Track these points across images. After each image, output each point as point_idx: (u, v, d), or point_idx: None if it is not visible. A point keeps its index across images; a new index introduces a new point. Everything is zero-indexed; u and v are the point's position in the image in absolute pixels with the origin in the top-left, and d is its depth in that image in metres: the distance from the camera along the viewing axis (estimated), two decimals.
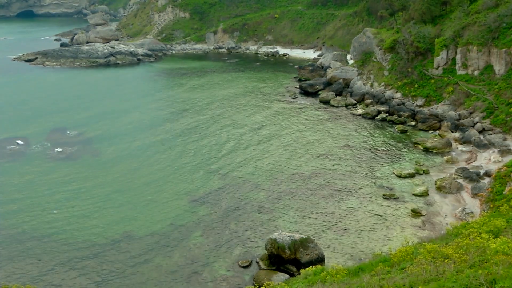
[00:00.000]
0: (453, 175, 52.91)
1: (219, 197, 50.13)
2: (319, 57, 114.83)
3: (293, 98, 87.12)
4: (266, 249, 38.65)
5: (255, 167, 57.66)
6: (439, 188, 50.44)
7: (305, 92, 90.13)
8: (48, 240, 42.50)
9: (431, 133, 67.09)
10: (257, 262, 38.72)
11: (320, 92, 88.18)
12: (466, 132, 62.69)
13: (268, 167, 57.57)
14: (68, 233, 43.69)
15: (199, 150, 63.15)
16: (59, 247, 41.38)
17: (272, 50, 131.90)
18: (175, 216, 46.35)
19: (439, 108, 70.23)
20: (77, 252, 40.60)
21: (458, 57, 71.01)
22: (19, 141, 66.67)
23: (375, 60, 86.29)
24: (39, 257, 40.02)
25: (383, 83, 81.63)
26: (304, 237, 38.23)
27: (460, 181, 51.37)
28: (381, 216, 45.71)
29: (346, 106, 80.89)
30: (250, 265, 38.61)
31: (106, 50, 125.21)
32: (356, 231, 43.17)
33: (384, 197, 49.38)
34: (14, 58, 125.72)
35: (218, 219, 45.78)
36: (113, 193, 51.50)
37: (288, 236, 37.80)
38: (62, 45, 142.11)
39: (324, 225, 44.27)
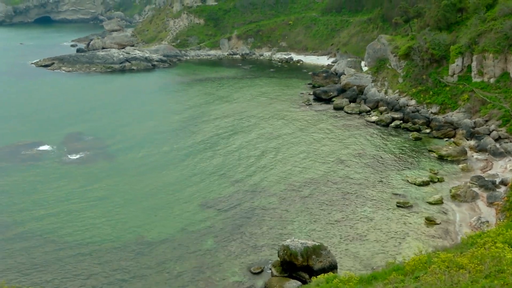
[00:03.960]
0: (468, 184, 52.30)
1: (232, 203, 50.13)
2: (333, 64, 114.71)
3: (307, 105, 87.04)
4: (278, 256, 38.52)
5: (268, 173, 57.62)
6: (454, 197, 49.88)
7: (319, 99, 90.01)
8: (60, 244, 42.88)
9: (446, 140, 66.47)
10: (270, 269, 38.60)
11: (334, 99, 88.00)
12: (482, 140, 62.00)
13: (280, 173, 57.50)
14: (80, 236, 44.01)
15: (213, 157, 63.31)
16: (70, 251, 41.68)
17: (286, 57, 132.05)
18: (188, 222, 46.46)
19: (454, 115, 69.61)
20: (89, 256, 40.86)
21: (473, 64, 70.39)
22: (36, 146, 67.49)
23: (390, 67, 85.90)
24: (49, 260, 40.36)
25: (397, 90, 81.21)
26: (317, 244, 38.02)
27: (476, 189, 50.76)
28: (394, 224, 45.32)
29: (360, 113, 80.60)
30: (262, 271, 38.51)
31: (121, 55, 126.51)
32: (369, 239, 42.84)
33: (398, 205, 48.97)
34: (32, 63, 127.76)
35: (231, 225, 45.78)
36: (127, 198, 51.84)
37: (301, 243, 37.62)
38: (78, 50, 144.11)
39: (337, 232, 44.01)
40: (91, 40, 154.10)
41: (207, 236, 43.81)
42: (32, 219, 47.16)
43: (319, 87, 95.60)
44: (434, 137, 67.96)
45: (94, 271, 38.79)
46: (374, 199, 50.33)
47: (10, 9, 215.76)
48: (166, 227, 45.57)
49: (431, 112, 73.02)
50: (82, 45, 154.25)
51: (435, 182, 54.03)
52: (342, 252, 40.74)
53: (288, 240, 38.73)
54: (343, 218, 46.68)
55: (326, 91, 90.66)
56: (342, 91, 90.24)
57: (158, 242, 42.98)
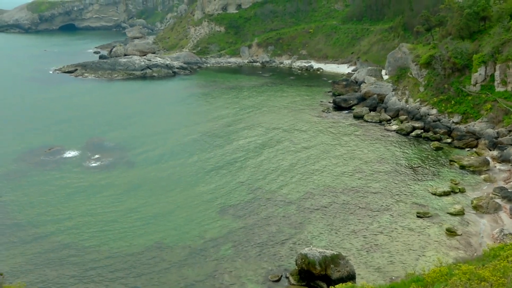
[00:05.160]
0: (490, 195, 51.43)
1: (250, 211, 50.18)
2: (353, 72, 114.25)
3: (327, 113, 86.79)
4: (296, 264, 38.39)
5: (287, 181, 57.54)
6: (476, 208, 49.10)
7: (338, 107, 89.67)
8: (78, 249, 43.44)
9: (468, 150, 65.51)
10: (287, 277, 38.48)
11: (354, 107, 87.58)
12: (505, 151, 60.96)
13: (299, 181, 57.35)
14: (98, 242, 44.50)
15: (231, 165, 63.46)
16: (86, 256, 42.19)
17: (306, 65, 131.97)
18: (206, 229, 46.63)
19: (476, 125, 68.62)
20: (106, 261, 41.28)
21: (497, 73, 69.38)
22: (59, 153, 68.53)
23: (411, 75, 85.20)
24: (68, 264, 40.88)
25: (418, 99, 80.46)
26: (335, 253, 37.79)
27: (498, 200, 49.88)
28: (414, 234, 44.76)
29: (380, 121, 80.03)
30: (280, 279, 38.40)
31: (143, 62, 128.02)
32: (388, 249, 42.40)
33: (418, 215, 48.38)
34: (55, 70, 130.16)
35: (249, 232, 45.80)
36: (146, 205, 52.30)
37: (319, 252, 37.45)
38: (101, 57, 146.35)
39: (356, 242, 43.66)
40: (114, 47, 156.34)
41: (225, 243, 43.88)
42: (56, 230, 47.48)
43: (339, 95, 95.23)
44: (456, 147, 67.02)
45: (107, 275, 39.12)
46: (394, 209, 49.82)
47: (36, 16, 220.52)
48: (184, 233, 45.79)
49: (453, 122, 72.10)
50: (104, 52, 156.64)
51: (456, 192, 53.26)
52: (361, 262, 40.38)
53: (306, 249, 38.60)
54: (361, 227, 46.30)
55: (346, 100, 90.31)
56: (362, 99, 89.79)
57: (175, 248, 43.19)
